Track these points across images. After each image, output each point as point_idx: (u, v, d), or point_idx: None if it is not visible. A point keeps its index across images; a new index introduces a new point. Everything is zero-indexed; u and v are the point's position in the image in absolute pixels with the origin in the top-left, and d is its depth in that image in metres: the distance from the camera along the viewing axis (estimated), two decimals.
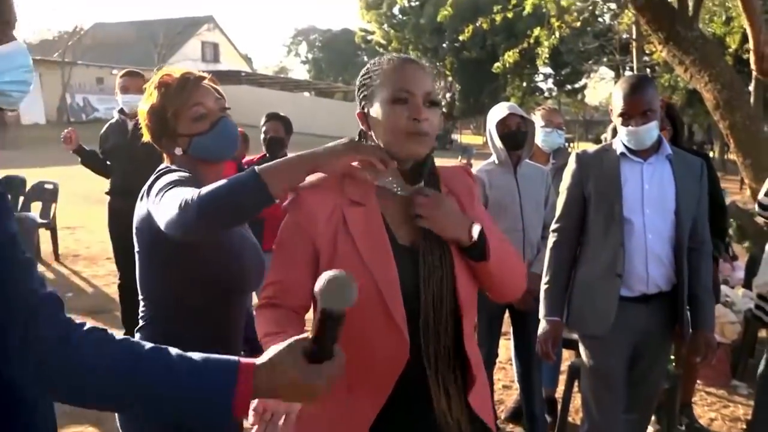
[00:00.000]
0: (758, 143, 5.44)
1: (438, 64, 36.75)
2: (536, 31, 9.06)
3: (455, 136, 36.14)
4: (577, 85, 38.49)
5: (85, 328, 1.05)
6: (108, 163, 4.62)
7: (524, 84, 35.45)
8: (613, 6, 14.57)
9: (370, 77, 1.50)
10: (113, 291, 5.40)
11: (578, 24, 10.79)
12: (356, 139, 1.53)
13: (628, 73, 19.15)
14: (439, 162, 1.61)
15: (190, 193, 1.44)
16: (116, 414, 1.75)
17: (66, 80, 29.13)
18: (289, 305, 1.49)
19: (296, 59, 65.12)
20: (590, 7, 11.67)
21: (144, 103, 1.78)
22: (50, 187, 8.13)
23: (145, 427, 1.71)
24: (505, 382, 4.26)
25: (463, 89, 36.71)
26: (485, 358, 3.28)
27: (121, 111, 4.53)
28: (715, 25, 11.96)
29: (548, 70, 35.65)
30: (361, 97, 1.52)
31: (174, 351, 1.05)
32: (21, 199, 7.99)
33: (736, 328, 4.29)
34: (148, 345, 1.05)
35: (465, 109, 37.65)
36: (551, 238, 2.69)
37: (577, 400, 3.21)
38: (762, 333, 4.62)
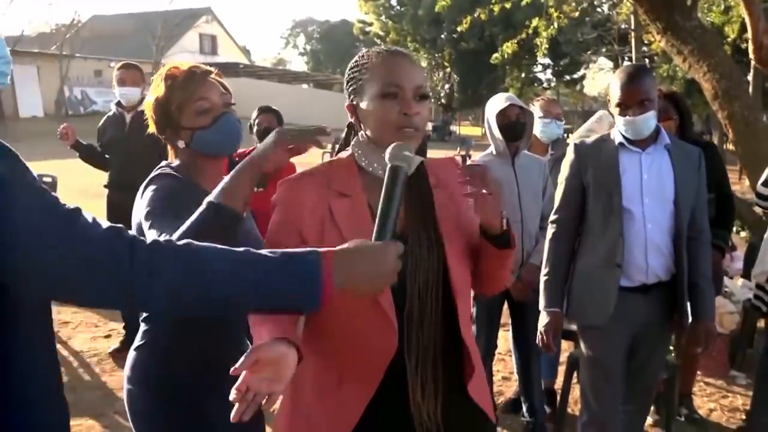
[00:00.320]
0: (757, 133, 5.42)
1: (436, 55, 36.68)
2: (534, 22, 9.03)
3: (454, 128, 36.06)
4: (575, 76, 38.31)
5: (181, 242, 1.10)
6: (107, 156, 4.59)
7: (523, 75, 35.34)
8: None
9: (359, 70, 1.49)
10: None
11: (577, 14, 10.75)
12: (345, 131, 1.56)
13: (627, 63, 19.09)
14: (439, 153, 1.61)
15: (164, 236, 1.43)
16: (126, 407, 1.76)
17: (64, 73, 29.01)
18: None
19: (294, 51, 64.90)
20: None
21: (150, 94, 1.79)
22: (48, 180, 8.04)
23: (154, 417, 1.72)
24: (504, 374, 4.27)
25: (462, 80, 36.61)
26: (484, 350, 3.31)
27: (119, 104, 4.50)
28: (713, 14, 11.93)
29: (547, 60, 35.50)
30: (350, 90, 1.51)
31: (251, 250, 1.13)
32: None
33: (734, 319, 4.28)
34: (233, 249, 1.12)
35: (463, 101, 37.58)
36: (550, 229, 2.68)
37: (576, 391, 3.21)
38: (761, 323, 4.61)
